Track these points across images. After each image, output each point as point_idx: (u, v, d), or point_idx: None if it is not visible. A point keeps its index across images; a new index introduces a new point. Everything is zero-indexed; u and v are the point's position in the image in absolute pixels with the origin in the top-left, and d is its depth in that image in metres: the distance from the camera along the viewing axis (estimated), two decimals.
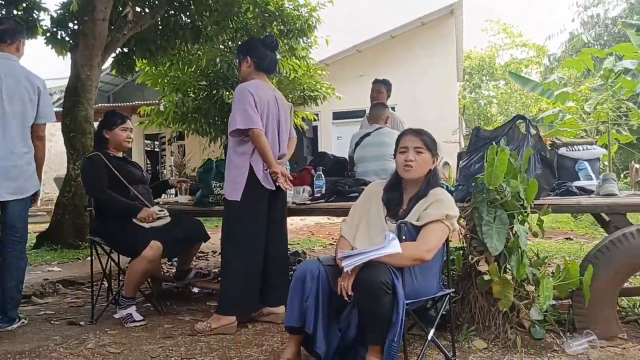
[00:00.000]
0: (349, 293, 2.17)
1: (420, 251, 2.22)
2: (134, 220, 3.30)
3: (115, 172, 3.37)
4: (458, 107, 16.32)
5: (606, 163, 7.39)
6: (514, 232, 2.70)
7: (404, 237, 2.27)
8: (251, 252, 3.12)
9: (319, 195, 3.65)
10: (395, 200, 2.50)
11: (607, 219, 4.18)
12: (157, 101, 11.12)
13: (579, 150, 3.93)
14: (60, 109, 6.64)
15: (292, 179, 3.26)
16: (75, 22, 6.86)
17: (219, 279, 3.69)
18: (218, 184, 3.71)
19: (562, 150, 3.89)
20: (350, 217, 2.57)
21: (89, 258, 3.51)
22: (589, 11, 19.43)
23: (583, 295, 2.61)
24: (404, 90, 11.49)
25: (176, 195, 4.40)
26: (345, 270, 2.16)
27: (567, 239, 6.49)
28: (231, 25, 8.38)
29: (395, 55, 14.39)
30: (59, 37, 6.94)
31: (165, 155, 15.40)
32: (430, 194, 2.41)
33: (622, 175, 9.29)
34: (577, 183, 3.60)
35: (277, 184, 3.13)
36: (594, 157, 3.93)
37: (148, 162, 17.93)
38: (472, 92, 23.31)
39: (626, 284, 2.75)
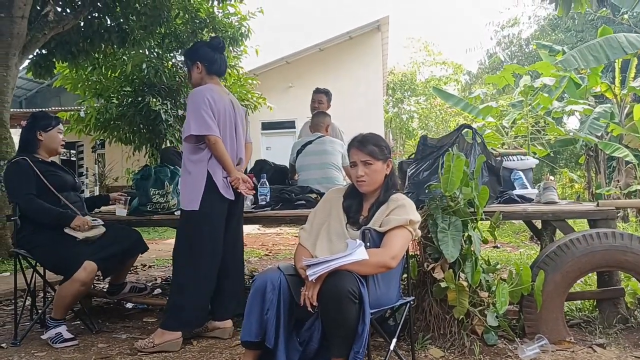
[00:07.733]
0: (314, 303, 2.07)
1: (385, 258, 2.16)
2: (66, 230, 3.01)
3: (44, 179, 3.08)
4: (384, 120, 16.68)
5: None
6: (467, 239, 2.73)
7: (367, 244, 2.20)
8: (208, 266, 2.94)
9: (264, 203, 3.53)
10: (355, 207, 2.43)
11: (540, 227, 4.35)
12: (76, 107, 10.47)
13: (513, 160, 4.10)
14: None
15: (252, 185, 3.12)
16: None
17: (165, 293, 3.45)
18: (157, 191, 3.49)
19: None
20: (308, 225, 2.47)
21: (8, 273, 3.17)
22: (505, 31, 20.72)
23: (533, 300, 2.67)
24: (332, 102, 11.55)
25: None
26: (310, 279, 2.06)
27: (494, 247, 6.73)
28: (160, 31, 8.09)
29: (324, 68, 14.47)
30: None
31: (83, 164, 14.47)
32: (391, 200, 2.37)
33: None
34: (516, 192, 3.74)
35: (238, 191, 2.99)
36: (527, 167, 4.10)
37: None
38: (395, 107, 23.96)
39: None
